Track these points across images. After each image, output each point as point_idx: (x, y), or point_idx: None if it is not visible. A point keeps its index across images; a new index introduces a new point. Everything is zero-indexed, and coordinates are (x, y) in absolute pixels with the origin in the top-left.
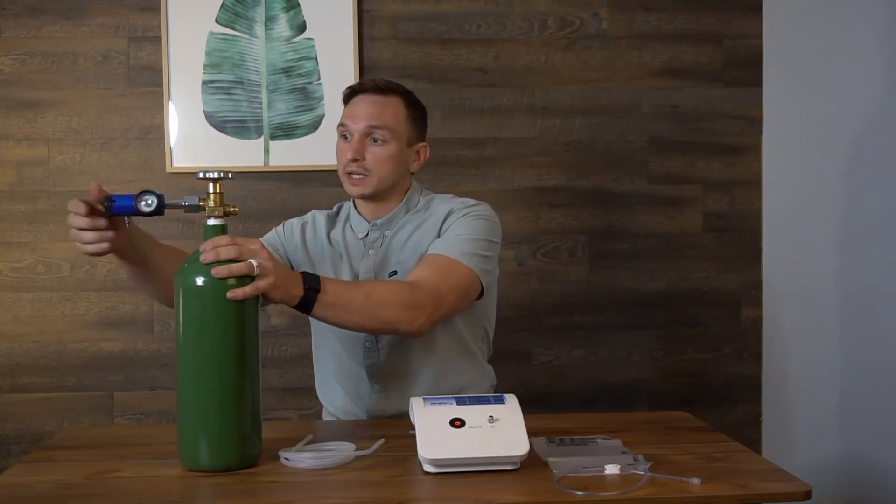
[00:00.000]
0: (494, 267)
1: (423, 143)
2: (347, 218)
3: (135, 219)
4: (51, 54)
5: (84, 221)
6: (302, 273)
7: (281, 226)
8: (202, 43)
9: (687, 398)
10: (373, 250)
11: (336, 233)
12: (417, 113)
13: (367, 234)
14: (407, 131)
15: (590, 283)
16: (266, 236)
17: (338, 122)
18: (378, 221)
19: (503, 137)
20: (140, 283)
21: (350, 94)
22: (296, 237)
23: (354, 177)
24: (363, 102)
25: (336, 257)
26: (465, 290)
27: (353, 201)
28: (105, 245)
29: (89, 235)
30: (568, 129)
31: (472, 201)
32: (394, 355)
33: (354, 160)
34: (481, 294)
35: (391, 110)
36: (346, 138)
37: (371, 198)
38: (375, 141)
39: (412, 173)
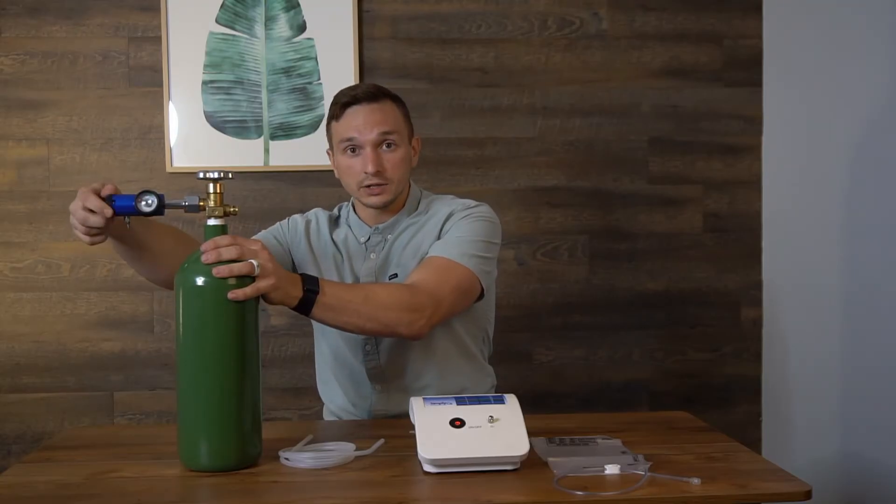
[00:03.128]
0: (494, 268)
1: (416, 137)
2: (348, 221)
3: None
4: (51, 54)
5: (96, 203)
6: (301, 275)
7: (286, 220)
8: (202, 43)
9: (687, 398)
10: (374, 254)
11: (338, 234)
12: (406, 109)
13: (369, 239)
14: (406, 130)
15: (590, 283)
16: (270, 229)
17: (326, 136)
18: (380, 226)
19: (503, 137)
20: (131, 262)
21: (343, 107)
22: (300, 233)
23: (374, 188)
24: (362, 112)
25: (338, 257)
26: (465, 291)
27: (353, 205)
28: (104, 236)
29: (91, 218)
30: (568, 129)
31: (472, 202)
32: (394, 357)
33: (377, 172)
34: (481, 295)
35: (391, 114)
36: (353, 152)
37: (389, 204)
38: (389, 147)
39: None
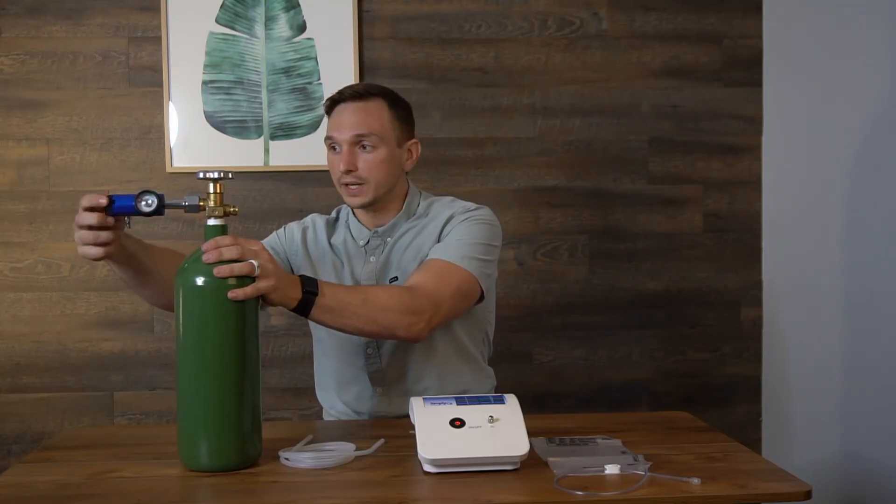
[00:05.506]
0: (494, 271)
1: (414, 140)
2: (347, 224)
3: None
4: (51, 54)
5: (95, 218)
6: (300, 276)
7: (282, 229)
8: (202, 43)
9: (687, 398)
10: (374, 257)
11: (337, 238)
12: (402, 111)
13: (368, 242)
14: (394, 132)
15: (590, 283)
16: (266, 239)
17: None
18: (379, 229)
19: (503, 137)
20: (136, 288)
21: (331, 105)
22: (297, 241)
23: (352, 187)
24: (345, 112)
25: (337, 263)
26: (465, 294)
27: (352, 209)
28: (106, 248)
29: (102, 235)
30: (568, 129)
31: (472, 205)
32: (396, 360)
33: (348, 171)
34: (481, 298)
35: (375, 115)
36: (335, 150)
37: (371, 205)
38: (365, 148)
39: (406, 173)
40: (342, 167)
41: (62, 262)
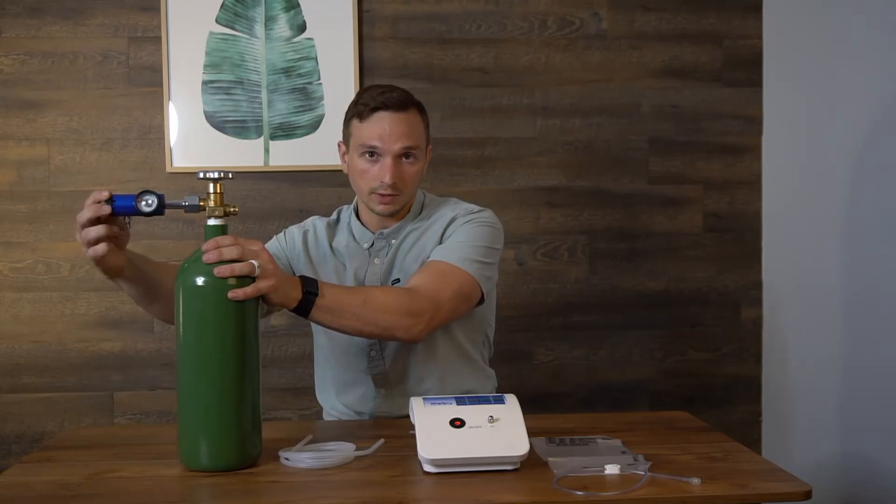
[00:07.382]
0: (494, 273)
1: (429, 146)
2: (349, 226)
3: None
4: (51, 54)
5: (100, 213)
6: (300, 277)
7: (282, 233)
8: (202, 43)
9: (687, 398)
10: (378, 259)
11: (338, 241)
12: (427, 119)
13: (373, 244)
14: (425, 142)
15: (590, 283)
16: (267, 244)
17: (342, 128)
18: (384, 231)
19: (503, 137)
20: (146, 304)
21: (371, 111)
22: (298, 245)
23: (386, 196)
24: (388, 121)
25: (339, 266)
26: (465, 296)
27: (355, 209)
28: (107, 245)
29: (98, 229)
30: (568, 129)
31: (475, 207)
32: (398, 362)
33: (393, 184)
34: (481, 300)
35: (417, 127)
36: (370, 156)
37: (397, 213)
38: (408, 159)
39: None
40: (389, 179)
41: (62, 262)
